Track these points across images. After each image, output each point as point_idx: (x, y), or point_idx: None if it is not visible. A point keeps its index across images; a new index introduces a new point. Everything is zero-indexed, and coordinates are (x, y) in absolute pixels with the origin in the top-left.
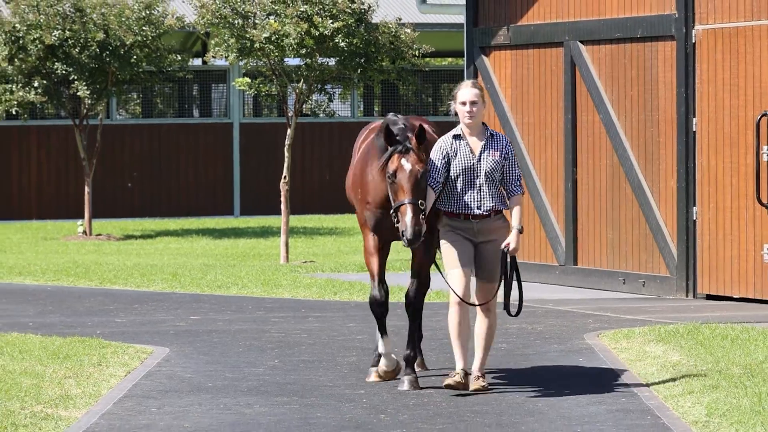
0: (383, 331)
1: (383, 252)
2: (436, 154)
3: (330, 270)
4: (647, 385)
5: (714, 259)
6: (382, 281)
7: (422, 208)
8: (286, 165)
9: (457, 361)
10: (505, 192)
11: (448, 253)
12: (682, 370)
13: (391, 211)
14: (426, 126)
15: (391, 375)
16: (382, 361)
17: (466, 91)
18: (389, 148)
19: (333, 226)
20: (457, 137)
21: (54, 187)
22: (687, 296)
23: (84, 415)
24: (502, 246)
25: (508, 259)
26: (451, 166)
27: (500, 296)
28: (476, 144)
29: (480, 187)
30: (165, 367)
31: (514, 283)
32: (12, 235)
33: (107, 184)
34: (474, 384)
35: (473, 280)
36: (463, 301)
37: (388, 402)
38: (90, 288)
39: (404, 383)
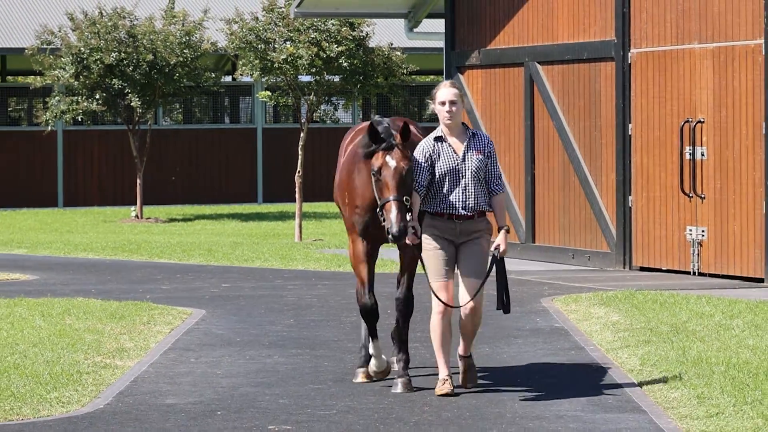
0: (374, 335)
1: (372, 258)
2: (418, 158)
3: (336, 246)
4: (592, 340)
5: (646, 238)
6: (371, 289)
7: (407, 204)
8: (299, 162)
9: (441, 369)
10: (488, 192)
11: (430, 261)
12: (620, 328)
13: (377, 209)
14: (411, 126)
15: (381, 375)
16: (373, 361)
17: (444, 91)
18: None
19: (338, 211)
20: (438, 139)
21: (112, 179)
22: (624, 268)
23: (136, 364)
24: (492, 249)
25: (498, 260)
26: (436, 168)
27: (489, 294)
28: (459, 145)
29: (465, 187)
30: (201, 326)
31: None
32: (78, 219)
33: (155, 177)
34: (463, 378)
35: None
36: (447, 306)
37: (386, 355)
38: (141, 261)
39: (398, 385)
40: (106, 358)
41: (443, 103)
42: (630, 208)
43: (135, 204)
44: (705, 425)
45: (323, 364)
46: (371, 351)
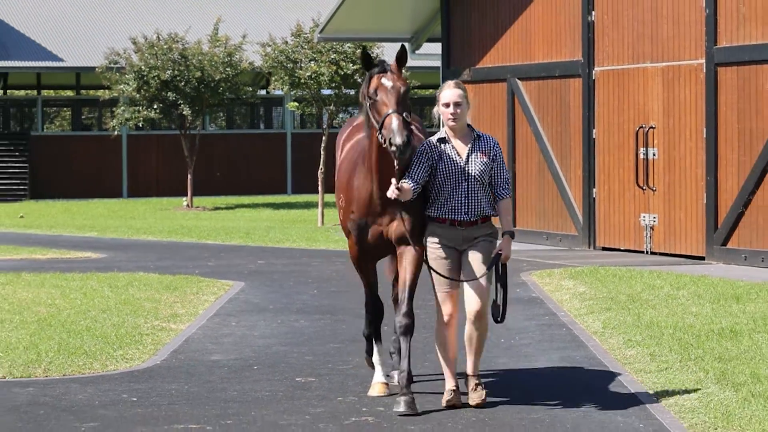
0: (377, 336)
1: (373, 259)
2: (419, 157)
3: None
4: (562, 307)
5: (607, 223)
6: (376, 291)
7: (409, 121)
8: (321, 160)
9: (447, 380)
10: (494, 196)
11: (435, 271)
12: (586, 298)
13: (377, 133)
14: (414, 124)
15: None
16: (378, 375)
17: (448, 92)
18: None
19: None
20: (442, 140)
21: (167, 174)
22: (589, 248)
23: (187, 327)
24: (493, 254)
25: (500, 266)
26: (438, 170)
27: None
28: (462, 147)
29: (469, 191)
30: (241, 296)
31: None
32: (139, 207)
33: (202, 172)
34: (472, 396)
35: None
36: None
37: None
38: (191, 242)
39: (400, 404)
40: (162, 322)
41: (447, 105)
42: (594, 198)
43: (186, 195)
44: (656, 378)
45: (341, 327)
46: (375, 358)
